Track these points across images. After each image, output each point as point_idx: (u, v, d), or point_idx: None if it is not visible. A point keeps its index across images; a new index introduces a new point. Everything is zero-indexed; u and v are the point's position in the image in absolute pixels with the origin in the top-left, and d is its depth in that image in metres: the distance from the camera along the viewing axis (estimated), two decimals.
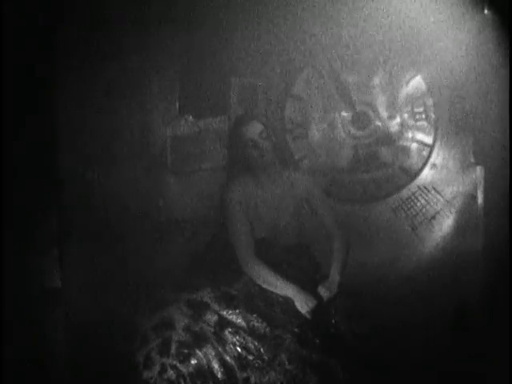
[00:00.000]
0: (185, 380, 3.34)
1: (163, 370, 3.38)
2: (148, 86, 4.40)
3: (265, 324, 3.31)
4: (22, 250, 3.71)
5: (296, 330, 3.33)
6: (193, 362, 3.33)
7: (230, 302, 3.37)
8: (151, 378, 3.42)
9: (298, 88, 4.62)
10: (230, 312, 3.35)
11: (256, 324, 3.31)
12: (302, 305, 3.39)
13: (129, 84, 4.27)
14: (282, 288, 3.42)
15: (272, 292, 3.40)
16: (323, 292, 3.52)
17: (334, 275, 3.62)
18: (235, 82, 4.57)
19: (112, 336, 3.80)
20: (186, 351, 3.34)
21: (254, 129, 3.57)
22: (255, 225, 3.56)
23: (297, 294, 3.40)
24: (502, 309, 3.62)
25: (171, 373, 3.37)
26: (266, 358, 3.27)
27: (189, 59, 4.43)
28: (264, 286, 3.44)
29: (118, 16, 4.12)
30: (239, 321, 3.32)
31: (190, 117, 4.49)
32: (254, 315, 3.32)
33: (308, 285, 3.48)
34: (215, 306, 3.37)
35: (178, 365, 3.35)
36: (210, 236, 3.61)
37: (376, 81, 4.56)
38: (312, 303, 3.40)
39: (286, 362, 3.26)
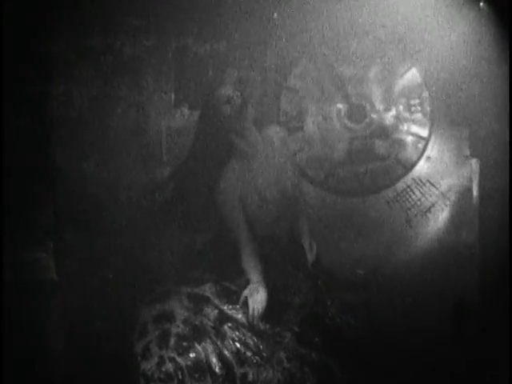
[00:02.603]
0: (182, 373, 3.36)
1: (161, 362, 3.40)
2: (143, 78, 4.39)
3: (264, 321, 3.32)
4: (18, 241, 3.71)
5: (296, 328, 3.34)
6: (191, 355, 3.35)
7: (230, 298, 3.38)
8: (149, 370, 3.43)
9: (293, 80, 4.60)
10: (231, 307, 3.36)
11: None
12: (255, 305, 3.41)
13: (124, 75, 4.26)
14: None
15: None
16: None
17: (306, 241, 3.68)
18: (230, 74, 4.55)
19: (110, 328, 3.81)
20: (185, 344, 3.36)
21: (227, 88, 3.61)
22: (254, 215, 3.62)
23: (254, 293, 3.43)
24: (499, 302, 3.64)
25: (169, 365, 3.38)
26: (264, 354, 3.28)
27: (184, 51, 4.42)
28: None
29: (113, 6, 4.12)
30: (239, 316, 3.34)
31: (186, 108, 4.48)
32: None
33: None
34: (216, 301, 3.38)
35: (177, 357, 3.37)
36: (210, 232, 3.62)
37: (371, 73, 4.54)
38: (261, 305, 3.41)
39: (285, 360, 3.28)
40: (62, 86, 3.95)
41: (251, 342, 3.28)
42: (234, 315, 3.33)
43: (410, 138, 4.52)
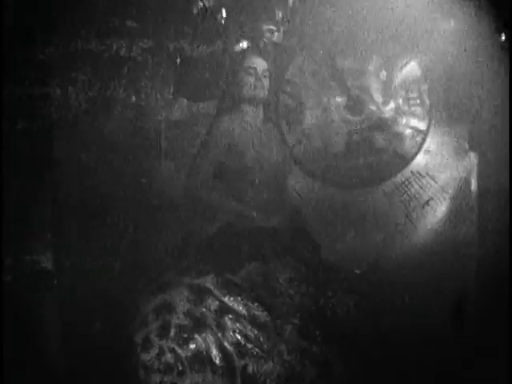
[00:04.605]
0: (182, 364, 3.37)
1: (161, 352, 3.41)
2: (143, 70, 4.39)
3: (265, 313, 3.34)
4: (16, 233, 3.71)
5: (296, 321, 3.36)
6: (192, 346, 3.36)
7: (232, 290, 3.39)
8: (149, 361, 3.44)
9: (292, 73, 4.60)
10: (232, 299, 3.37)
11: (257, 313, 3.34)
12: None
13: (123, 67, 4.27)
14: None
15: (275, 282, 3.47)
16: None
17: None
18: (229, 67, 4.55)
19: (110, 319, 3.82)
20: (185, 335, 3.37)
21: (260, 63, 3.77)
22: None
23: None
24: (498, 295, 3.66)
25: (169, 356, 3.39)
26: (265, 347, 3.30)
27: (184, 44, 4.42)
28: None
29: (110, 9, 4.13)
30: (240, 308, 3.35)
31: (185, 101, 4.48)
32: (256, 304, 3.35)
33: None
34: (217, 293, 3.39)
35: (177, 348, 3.38)
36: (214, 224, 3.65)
37: (370, 66, 4.55)
38: None
39: (285, 353, 3.29)
40: (62, 79, 3.96)
41: (252, 334, 3.29)
42: (235, 307, 3.34)
43: (408, 131, 4.52)
